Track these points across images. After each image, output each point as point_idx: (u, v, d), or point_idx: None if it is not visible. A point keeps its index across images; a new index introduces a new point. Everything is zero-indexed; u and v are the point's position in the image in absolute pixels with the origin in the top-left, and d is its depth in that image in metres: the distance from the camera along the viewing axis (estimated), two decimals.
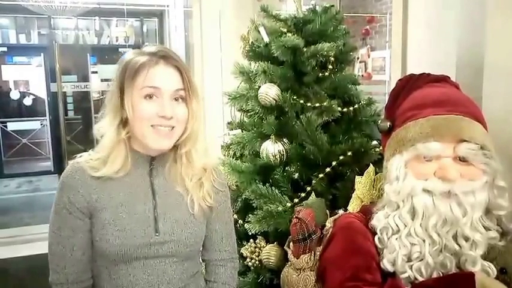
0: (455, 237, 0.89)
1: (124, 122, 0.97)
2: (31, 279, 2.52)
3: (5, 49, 6.36)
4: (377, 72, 4.76)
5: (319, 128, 1.40)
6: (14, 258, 2.72)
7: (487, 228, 0.90)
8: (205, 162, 1.06)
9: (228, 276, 1.13)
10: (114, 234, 0.95)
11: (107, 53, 6.26)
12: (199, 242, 1.07)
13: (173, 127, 0.96)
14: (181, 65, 0.97)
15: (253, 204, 1.40)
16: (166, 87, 0.94)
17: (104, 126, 0.99)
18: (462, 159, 0.90)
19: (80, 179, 0.97)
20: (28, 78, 6.63)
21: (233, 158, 1.54)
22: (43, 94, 6.39)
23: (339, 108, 1.44)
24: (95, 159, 0.98)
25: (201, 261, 1.13)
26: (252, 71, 1.55)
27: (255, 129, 1.49)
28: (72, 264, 0.97)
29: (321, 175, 1.37)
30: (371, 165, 1.25)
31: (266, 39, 1.51)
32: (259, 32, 1.53)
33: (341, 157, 1.37)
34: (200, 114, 1.01)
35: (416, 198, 0.91)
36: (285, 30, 1.47)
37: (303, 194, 1.36)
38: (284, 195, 1.37)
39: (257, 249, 1.40)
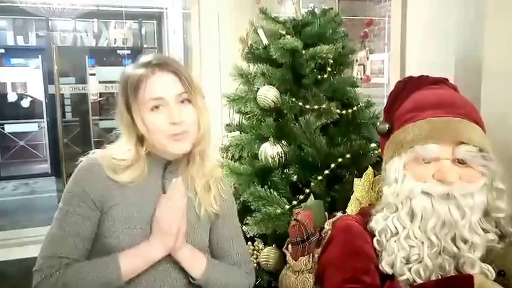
0: (453, 240, 0.88)
1: (141, 138, 0.98)
2: (27, 282, 2.50)
3: (2, 51, 6.34)
4: (376, 75, 4.77)
5: (317, 130, 1.40)
6: (10, 260, 2.71)
7: (485, 231, 0.90)
8: (214, 164, 1.07)
9: (243, 280, 1.11)
10: (124, 231, 0.94)
11: (105, 55, 6.24)
12: (205, 246, 1.07)
13: (187, 131, 0.96)
14: (177, 68, 0.97)
15: (252, 207, 1.39)
16: (168, 94, 0.95)
17: (122, 147, 0.99)
18: (461, 162, 0.90)
19: (97, 174, 0.96)
20: (26, 80, 6.60)
21: (231, 160, 1.54)
22: (41, 96, 6.36)
23: (338, 111, 1.45)
24: (112, 159, 0.97)
25: None
26: (251, 73, 1.55)
27: (254, 131, 1.49)
28: (69, 251, 0.93)
29: (319, 177, 1.36)
30: (370, 167, 1.24)
31: (265, 41, 1.52)
32: (258, 34, 1.54)
33: (340, 159, 1.37)
34: (206, 109, 1.01)
35: (415, 200, 0.91)
36: (284, 32, 1.47)
37: (301, 196, 1.36)
38: (282, 198, 1.37)
39: (255, 252, 1.39)
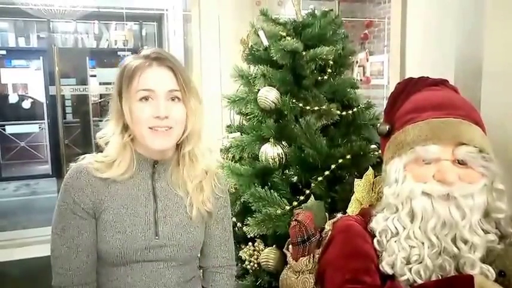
0: (454, 240, 0.89)
1: (126, 126, 0.98)
2: (27, 283, 2.50)
3: (4, 52, 6.35)
4: (375, 76, 4.77)
5: (318, 132, 1.40)
6: (11, 261, 2.71)
7: (485, 231, 0.90)
8: (207, 164, 1.06)
9: (224, 284, 1.12)
10: (114, 236, 0.95)
11: (106, 57, 6.24)
12: (198, 246, 1.07)
13: (171, 127, 0.96)
14: (175, 65, 0.97)
15: (252, 207, 1.40)
16: (160, 88, 0.94)
17: (108, 132, 1.00)
18: (461, 162, 0.90)
19: (85, 180, 0.97)
20: (27, 81, 6.61)
21: (232, 161, 1.54)
22: (42, 97, 6.38)
23: (338, 112, 1.45)
24: (100, 162, 0.98)
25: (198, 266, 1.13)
26: (251, 75, 1.56)
27: (254, 132, 1.49)
28: (76, 266, 0.95)
29: (320, 178, 1.37)
30: (370, 168, 1.25)
31: (265, 42, 1.52)
32: (258, 35, 1.54)
33: (340, 160, 1.37)
34: (200, 112, 1.01)
35: (415, 200, 0.91)
36: (284, 34, 1.48)
37: (302, 197, 1.36)
38: (283, 198, 1.38)
39: (256, 252, 1.40)
